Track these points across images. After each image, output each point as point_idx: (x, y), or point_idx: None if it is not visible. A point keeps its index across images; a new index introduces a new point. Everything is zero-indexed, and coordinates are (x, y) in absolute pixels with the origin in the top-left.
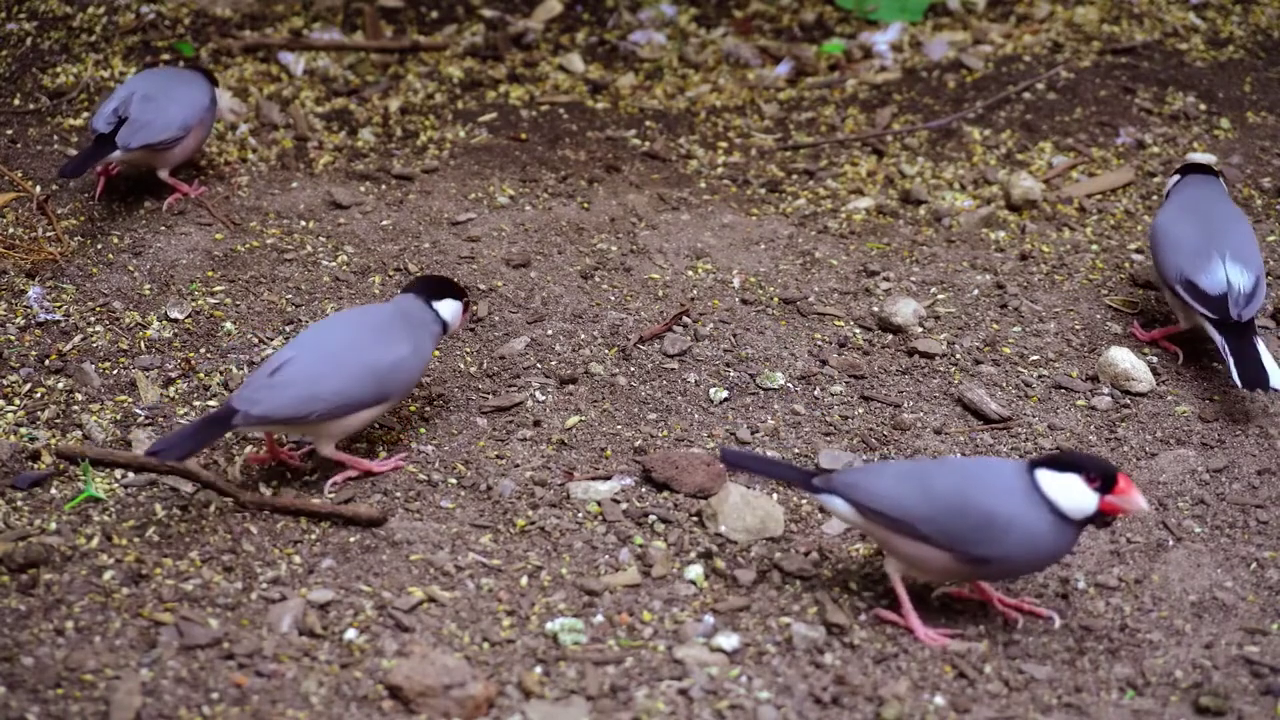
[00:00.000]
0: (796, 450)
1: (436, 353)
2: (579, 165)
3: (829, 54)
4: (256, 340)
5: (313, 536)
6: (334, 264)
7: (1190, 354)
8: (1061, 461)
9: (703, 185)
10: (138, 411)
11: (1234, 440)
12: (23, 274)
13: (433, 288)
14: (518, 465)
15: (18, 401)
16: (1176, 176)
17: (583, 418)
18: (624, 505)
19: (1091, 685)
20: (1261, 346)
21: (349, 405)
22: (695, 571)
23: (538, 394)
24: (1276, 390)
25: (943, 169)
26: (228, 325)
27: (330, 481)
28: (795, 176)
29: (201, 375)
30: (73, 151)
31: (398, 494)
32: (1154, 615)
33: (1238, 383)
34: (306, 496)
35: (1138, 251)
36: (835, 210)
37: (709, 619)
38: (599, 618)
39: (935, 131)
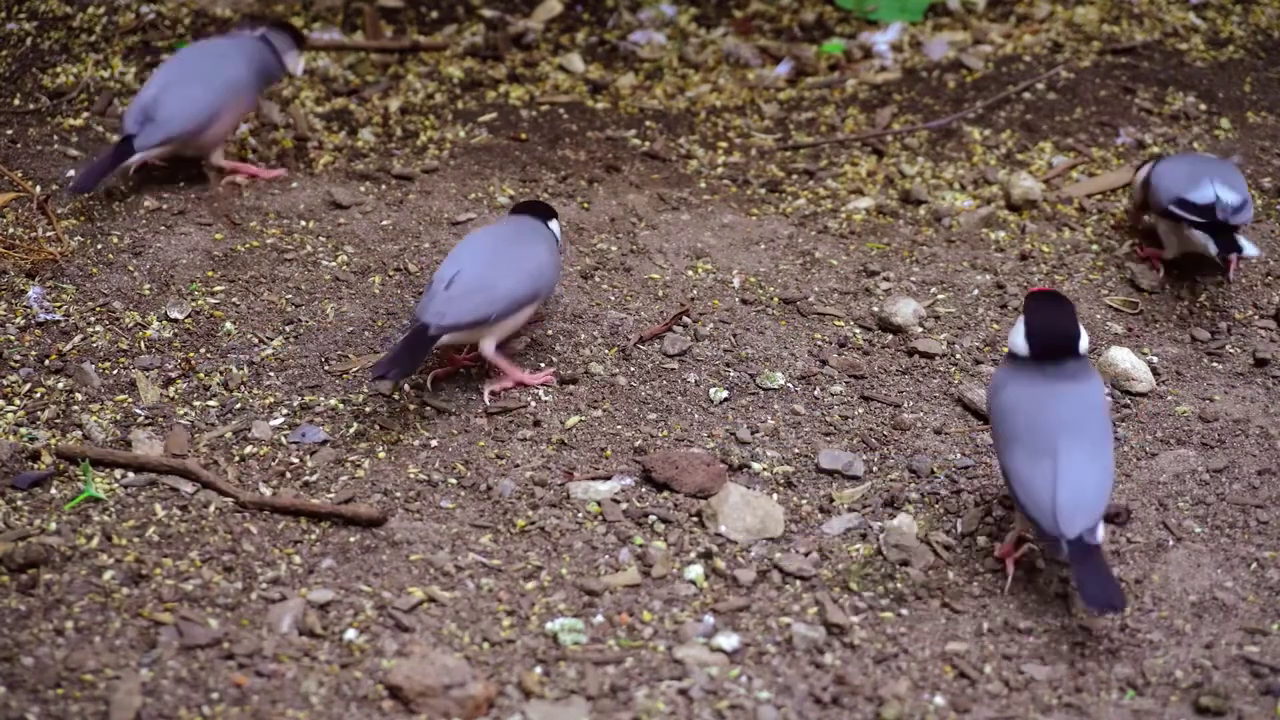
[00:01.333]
0: (796, 450)
1: (438, 349)
2: (579, 165)
3: (829, 54)
4: (256, 340)
5: (313, 536)
6: (334, 264)
7: (1190, 354)
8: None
9: (703, 185)
10: (138, 411)
11: (1234, 440)
12: (23, 274)
13: (541, 210)
14: (518, 465)
15: (18, 401)
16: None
17: (583, 418)
18: (624, 505)
19: (1091, 685)
20: (1244, 240)
21: (516, 303)
22: (695, 571)
23: (539, 394)
24: (1248, 256)
25: (943, 169)
26: (228, 325)
27: (488, 391)
28: (795, 176)
29: (201, 375)
30: (73, 152)
31: (398, 494)
32: (1154, 615)
33: (1213, 252)
34: (306, 496)
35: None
36: (835, 210)
37: (709, 619)
38: (599, 618)
39: (935, 131)
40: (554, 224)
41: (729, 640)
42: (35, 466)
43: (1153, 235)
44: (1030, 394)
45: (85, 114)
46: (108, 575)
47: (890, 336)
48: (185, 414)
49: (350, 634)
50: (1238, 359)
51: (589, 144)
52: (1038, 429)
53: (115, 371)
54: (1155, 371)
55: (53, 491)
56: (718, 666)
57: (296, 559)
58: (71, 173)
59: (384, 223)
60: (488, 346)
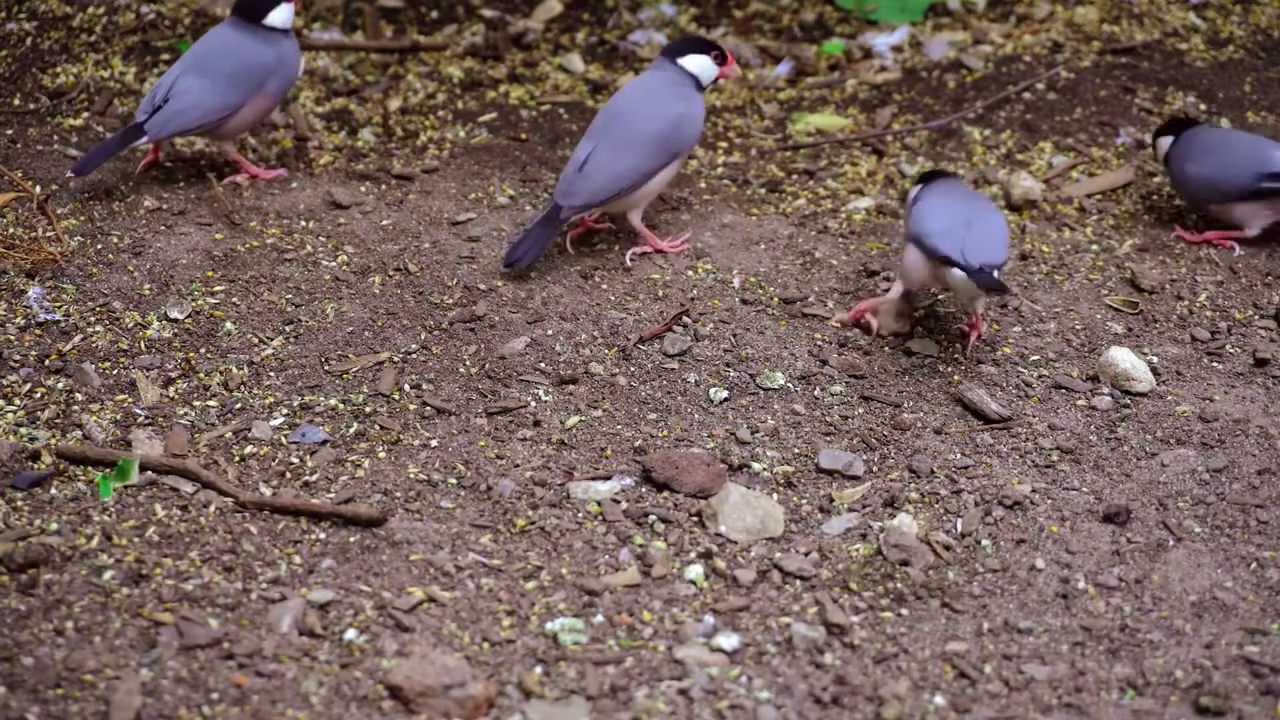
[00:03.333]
0: (796, 450)
1: (438, 349)
2: None
3: (829, 54)
4: (256, 340)
5: (313, 536)
6: (334, 264)
7: (1190, 354)
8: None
9: (703, 185)
10: (138, 411)
11: (1234, 440)
12: (23, 274)
13: (677, 48)
14: (518, 465)
15: (18, 401)
16: (1170, 137)
17: (583, 418)
18: (624, 505)
19: (1091, 685)
20: None
21: (647, 174)
22: (695, 571)
23: (539, 394)
24: None
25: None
26: (228, 325)
27: (630, 253)
28: (795, 176)
29: (201, 375)
30: (73, 152)
31: (398, 494)
32: (1154, 615)
33: None
34: (306, 496)
35: (1141, 249)
36: (835, 210)
37: (709, 619)
38: (599, 618)
39: (935, 131)
40: (689, 60)
41: (729, 640)
42: (35, 466)
43: (1213, 222)
44: (951, 197)
45: (85, 114)
46: (108, 575)
47: (890, 336)
48: (185, 414)
49: (350, 634)
50: (1238, 359)
51: None
52: (955, 213)
53: (115, 371)
54: (1155, 371)
55: (53, 491)
56: (718, 666)
57: (296, 559)
58: (70, 173)
59: (384, 223)
60: (635, 220)
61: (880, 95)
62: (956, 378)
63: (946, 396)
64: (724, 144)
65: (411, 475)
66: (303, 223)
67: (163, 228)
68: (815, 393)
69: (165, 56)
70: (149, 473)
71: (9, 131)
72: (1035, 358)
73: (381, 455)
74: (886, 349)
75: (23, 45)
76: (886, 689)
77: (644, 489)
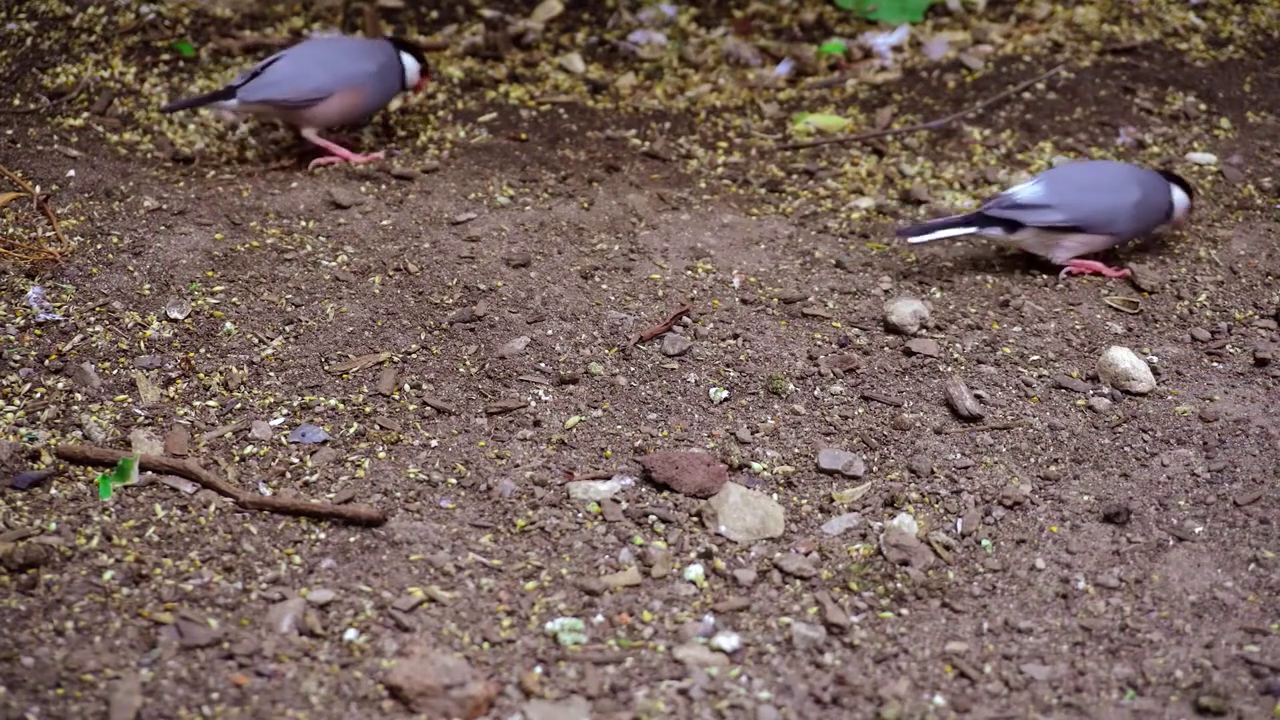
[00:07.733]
0: (796, 450)
1: (438, 349)
2: (579, 165)
3: (829, 54)
4: (256, 340)
5: (313, 536)
6: (334, 264)
7: (1190, 354)
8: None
9: (703, 185)
10: (138, 411)
11: (1234, 440)
12: (23, 274)
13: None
14: (518, 465)
15: (18, 401)
16: None
17: (583, 418)
18: (624, 505)
19: (1091, 685)
20: None
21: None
22: (695, 571)
23: (539, 394)
24: None
25: (943, 169)
26: (228, 325)
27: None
28: (795, 176)
29: (201, 375)
30: (73, 152)
31: (398, 494)
32: (1154, 615)
33: None
34: (306, 497)
35: (1141, 249)
36: (835, 210)
37: (709, 619)
38: (599, 618)
39: (935, 131)
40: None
41: (729, 640)
42: (35, 466)
43: None
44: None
45: (85, 114)
46: (108, 575)
47: (890, 337)
48: (185, 414)
49: (350, 634)
50: (1238, 359)
51: (589, 144)
52: None
53: (115, 371)
54: (1155, 371)
55: (53, 491)
56: (718, 666)
57: (296, 559)
58: (72, 172)
59: (384, 223)
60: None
61: (880, 95)
62: (956, 378)
63: (946, 396)
64: (724, 144)
65: (411, 475)
66: (303, 223)
67: (163, 228)
68: (815, 393)
69: (165, 56)
70: (149, 473)
71: (9, 131)
72: (1035, 358)
73: (381, 455)
74: (886, 349)
75: (23, 45)
76: (886, 689)
77: (644, 489)
